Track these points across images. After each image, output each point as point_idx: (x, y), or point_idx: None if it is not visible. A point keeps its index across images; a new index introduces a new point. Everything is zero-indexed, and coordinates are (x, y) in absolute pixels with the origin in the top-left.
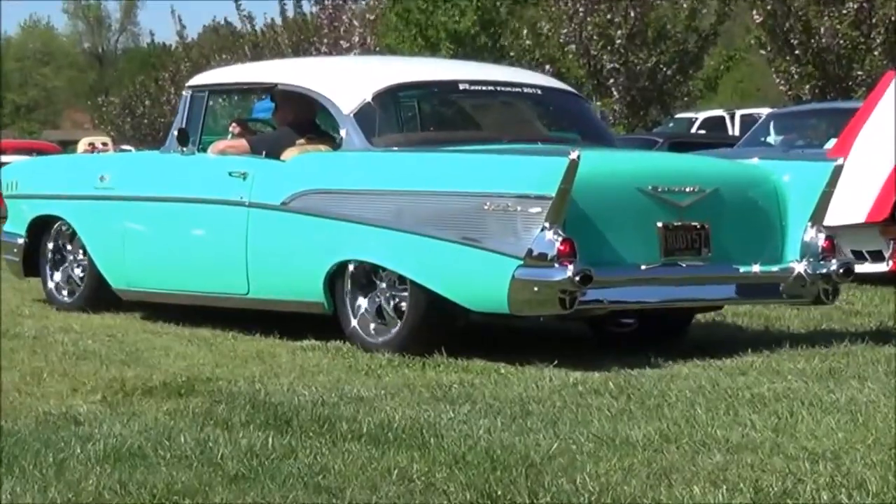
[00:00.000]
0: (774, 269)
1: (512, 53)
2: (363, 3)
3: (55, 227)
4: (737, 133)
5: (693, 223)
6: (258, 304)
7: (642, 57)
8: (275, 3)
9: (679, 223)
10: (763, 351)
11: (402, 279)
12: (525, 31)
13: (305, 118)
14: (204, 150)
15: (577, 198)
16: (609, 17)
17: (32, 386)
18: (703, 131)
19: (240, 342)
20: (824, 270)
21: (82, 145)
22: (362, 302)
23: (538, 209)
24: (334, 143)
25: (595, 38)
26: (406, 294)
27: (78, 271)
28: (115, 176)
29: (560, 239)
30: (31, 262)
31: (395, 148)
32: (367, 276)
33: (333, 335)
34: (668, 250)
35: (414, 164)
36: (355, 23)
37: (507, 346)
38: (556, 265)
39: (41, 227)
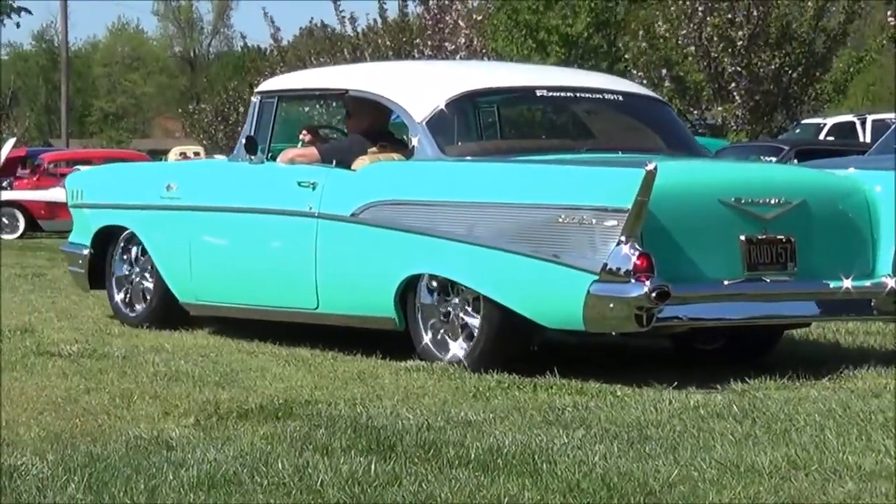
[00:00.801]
0: (865, 284)
1: (627, 56)
2: (471, 3)
3: (121, 237)
4: (868, 140)
5: (778, 236)
6: (327, 319)
7: (766, 59)
8: (374, 3)
9: (763, 236)
10: None
11: (476, 296)
12: (641, 33)
13: (378, 126)
14: (274, 158)
15: (654, 210)
16: (730, 16)
17: (122, 409)
18: (831, 138)
19: (340, 363)
20: None
21: (173, 155)
22: (435, 318)
23: (614, 222)
24: (407, 152)
25: (715, 39)
26: (480, 310)
27: (145, 284)
28: (181, 185)
29: (637, 253)
30: (97, 275)
31: (469, 157)
32: (441, 291)
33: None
34: (752, 265)
35: (486, 174)
36: (461, 24)
37: (624, 365)
38: (633, 281)
39: (107, 237)
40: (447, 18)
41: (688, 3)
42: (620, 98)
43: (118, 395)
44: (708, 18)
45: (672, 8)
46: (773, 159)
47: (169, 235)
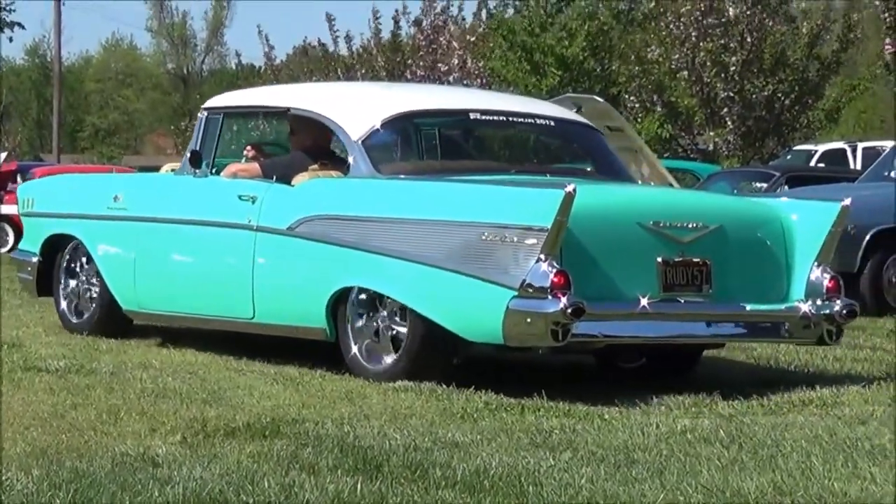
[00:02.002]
0: (779, 308)
1: (621, 80)
2: (464, 24)
3: (69, 246)
4: (859, 167)
5: (694, 259)
6: (263, 328)
7: (758, 85)
8: (369, 23)
9: (679, 259)
10: (884, 400)
11: (403, 308)
12: (633, 57)
13: (319, 143)
14: (218, 172)
15: (575, 230)
16: (723, 42)
17: (109, 425)
18: (822, 164)
19: (328, 382)
20: (828, 311)
21: (165, 171)
22: (363, 329)
23: (534, 241)
24: (345, 169)
25: (708, 64)
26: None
27: (91, 292)
28: (128, 196)
29: (554, 271)
30: (46, 282)
31: (402, 176)
32: (370, 304)
33: (426, 376)
34: (668, 286)
35: (416, 192)
36: (455, 44)
37: (612, 389)
38: (549, 297)
39: (56, 246)
40: (441, 39)
41: (681, 27)
42: (552, 123)
43: (105, 412)
44: (701, 44)
45: (664, 33)
46: (764, 185)
47: (114, 245)
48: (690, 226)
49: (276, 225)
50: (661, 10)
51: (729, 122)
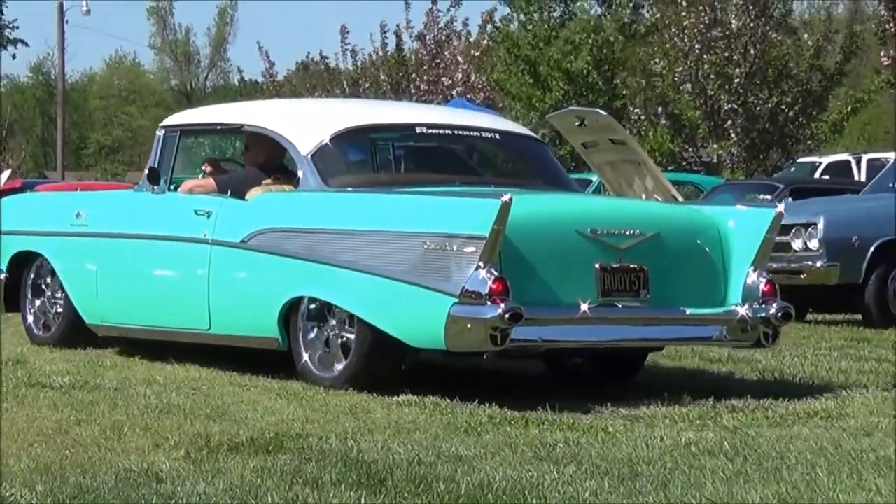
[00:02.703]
0: (716, 311)
1: (625, 93)
2: (469, 38)
3: (35, 263)
4: (863, 178)
5: (632, 265)
6: (219, 339)
7: (762, 97)
8: (370, 38)
9: (617, 265)
10: (889, 412)
11: (352, 316)
12: (637, 69)
13: (272, 158)
14: (176, 188)
15: (513, 239)
16: (727, 55)
17: (113, 440)
18: (826, 176)
19: (332, 396)
20: (764, 314)
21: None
22: (314, 338)
23: (473, 249)
24: (297, 184)
25: (712, 77)
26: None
27: (56, 307)
28: (90, 213)
29: (493, 278)
30: (13, 298)
31: (349, 189)
32: (320, 313)
33: (431, 390)
34: (606, 291)
35: (361, 204)
36: (459, 59)
37: (615, 401)
38: (488, 303)
39: (22, 262)
40: (445, 54)
41: (685, 40)
42: (497, 136)
43: (109, 427)
44: (705, 56)
45: (668, 45)
46: (768, 197)
47: (77, 260)
48: (628, 233)
49: (230, 238)
50: (666, 22)
51: (733, 135)
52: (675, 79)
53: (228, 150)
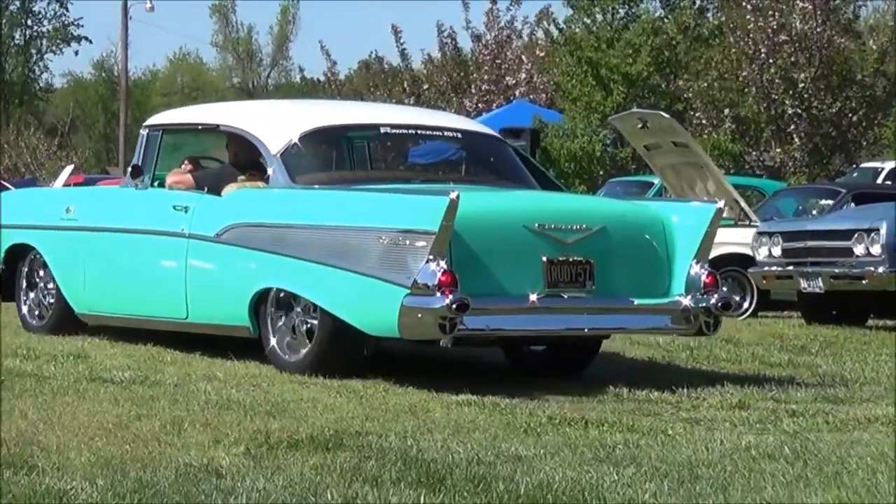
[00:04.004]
0: (660, 301)
1: (688, 95)
2: (535, 38)
3: (29, 255)
4: None
5: (578, 258)
6: (195, 327)
7: (827, 102)
8: (433, 37)
9: (563, 258)
10: None
11: (315, 305)
12: (699, 72)
13: (248, 156)
14: (161, 184)
15: (463, 234)
16: (793, 59)
17: (173, 436)
18: (889, 182)
19: (391, 395)
20: (705, 304)
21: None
22: (281, 325)
23: (423, 243)
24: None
25: (777, 81)
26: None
27: (48, 297)
28: (78, 208)
29: (442, 270)
30: (8, 289)
31: (315, 186)
32: (286, 303)
33: (490, 390)
34: (552, 283)
35: (324, 200)
36: (523, 58)
37: (677, 405)
38: (438, 294)
39: (17, 255)
40: (507, 54)
41: (751, 44)
42: (459, 135)
43: (169, 423)
44: (771, 60)
45: (734, 50)
46: (830, 202)
47: (66, 253)
48: (574, 227)
49: (206, 232)
50: (731, 25)
51: (796, 139)
52: (740, 82)
53: (207, 150)
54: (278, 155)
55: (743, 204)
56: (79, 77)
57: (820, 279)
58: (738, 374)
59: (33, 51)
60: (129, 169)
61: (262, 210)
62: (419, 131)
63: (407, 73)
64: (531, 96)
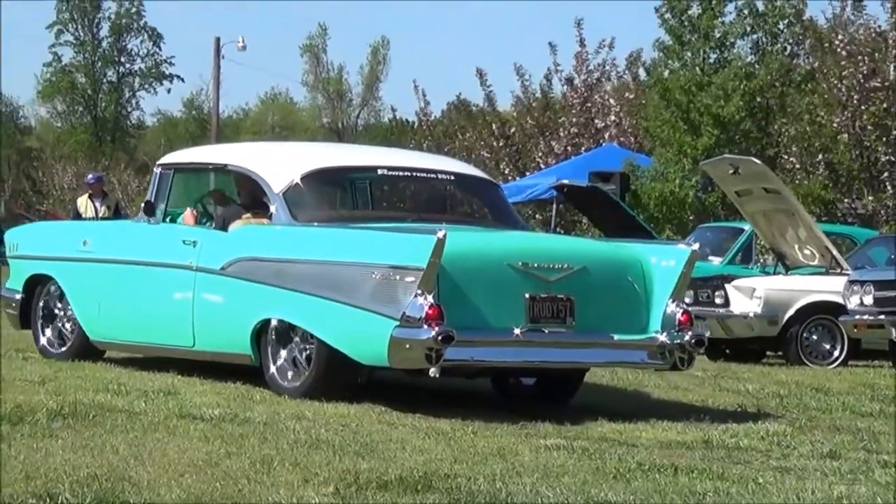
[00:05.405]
0: (637, 337)
1: (781, 140)
2: (624, 81)
3: (47, 285)
4: None
5: (559, 295)
6: (201, 355)
7: None
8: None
9: (546, 295)
10: None
11: (312, 335)
12: (793, 115)
13: (254, 194)
14: (174, 220)
15: (450, 270)
16: (885, 106)
17: (262, 474)
18: None
19: (480, 437)
20: (680, 341)
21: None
22: (281, 353)
23: (412, 278)
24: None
25: (870, 128)
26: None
27: (66, 325)
28: (94, 241)
29: (429, 304)
30: (27, 316)
31: (315, 223)
32: (286, 332)
33: (579, 435)
34: (534, 318)
35: (321, 237)
36: (612, 101)
37: (767, 454)
38: (425, 326)
39: (36, 284)
40: (595, 97)
41: (843, 90)
42: (452, 177)
43: (258, 461)
44: (863, 107)
45: (826, 96)
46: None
47: (83, 283)
48: (556, 266)
49: (212, 265)
50: (824, 71)
51: (889, 187)
52: (833, 129)
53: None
54: (281, 193)
55: (834, 252)
56: (169, 115)
57: None
58: (829, 423)
59: (125, 88)
60: (143, 205)
61: (264, 245)
62: (414, 173)
63: (494, 115)
64: (620, 139)
